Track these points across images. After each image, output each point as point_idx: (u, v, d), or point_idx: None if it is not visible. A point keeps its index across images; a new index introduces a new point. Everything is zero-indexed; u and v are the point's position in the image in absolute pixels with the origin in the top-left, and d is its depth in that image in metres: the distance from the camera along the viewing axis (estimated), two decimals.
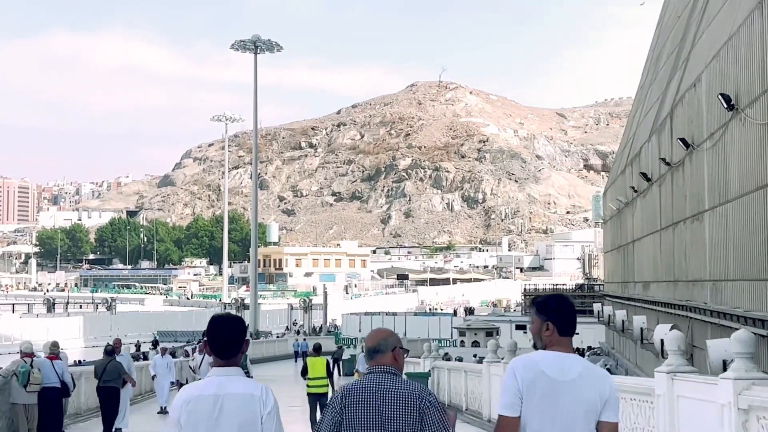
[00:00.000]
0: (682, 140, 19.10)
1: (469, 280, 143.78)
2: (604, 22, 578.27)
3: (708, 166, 17.19)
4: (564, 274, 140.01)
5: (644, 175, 26.17)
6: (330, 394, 18.80)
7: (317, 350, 18.90)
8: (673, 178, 21.69)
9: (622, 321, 31.27)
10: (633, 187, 29.41)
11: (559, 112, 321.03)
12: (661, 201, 23.84)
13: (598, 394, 3.97)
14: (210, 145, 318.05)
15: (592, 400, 3.95)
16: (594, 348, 44.28)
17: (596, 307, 43.13)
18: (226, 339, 4.28)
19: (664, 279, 23.62)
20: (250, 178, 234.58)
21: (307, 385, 17.96)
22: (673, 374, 8.72)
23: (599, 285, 64.89)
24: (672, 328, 19.25)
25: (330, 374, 18.00)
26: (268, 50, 69.30)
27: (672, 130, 21.69)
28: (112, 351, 17.07)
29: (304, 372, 18.22)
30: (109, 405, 16.41)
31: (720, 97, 14.91)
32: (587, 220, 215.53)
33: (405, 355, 4.37)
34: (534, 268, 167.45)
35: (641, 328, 25.18)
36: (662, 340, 19.43)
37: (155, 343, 55.63)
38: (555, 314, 4.13)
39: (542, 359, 4.04)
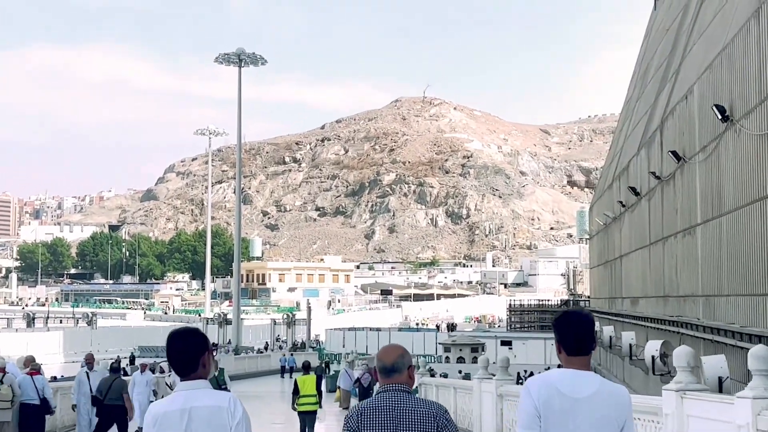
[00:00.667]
0: (673, 153, 18.83)
1: (453, 296, 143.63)
2: (588, 40, 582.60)
3: (700, 179, 16.90)
4: (548, 290, 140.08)
5: (633, 189, 25.92)
6: (319, 412, 18.44)
7: (306, 368, 18.49)
8: (663, 191, 21.42)
9: (610, 337, 30.95)
10: (621, 202, 29.17)
11: (542, 129, 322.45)
12: (651, 215, 23.59)
13: (615, 411, 3.87)
14: (193, 160, 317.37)
15: (609, 417, 3.84)
16: None
17: None
18: (187, 355, 4.15)
19: (654, 294, 23.34)
20: (234, 192, 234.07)
21: (298, 404, 17.56)
22: (682, 392, 8.29)
23: (584, 301, 64.67)
24: (663, 343, 18.94)
25: (320, 392, 17.65)
26: (252, 63, 69.01)
27: (662, 143, 21.45)
28: (117, 368, 16.41)
29: (296, 392, 17.80)
30: (119, 425, 15.66)
31: (714, 108, 14.64)
32: (571, 236, 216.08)
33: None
34: (518, 284, 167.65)
35: (630, 345, 24.84)
36: (653, 357, 19.12)
37: (132, 359, 54.86)
38: (560, 332, 4.04)
39: (558, 378, 3.94)
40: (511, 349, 49.17)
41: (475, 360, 38.94)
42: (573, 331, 4.00)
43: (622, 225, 30.16)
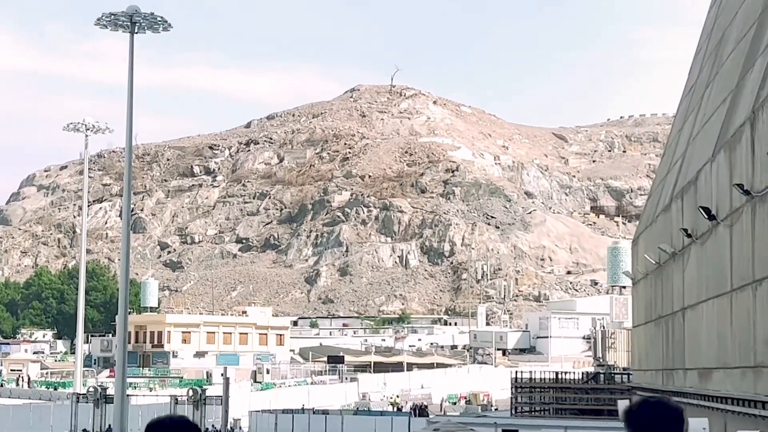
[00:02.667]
0: None
1: (430, 366, 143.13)
2: (621, 8, 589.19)
3: None
4: (565, 359, 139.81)
5: (705, 210, 25.21)
6: None
7: None
8: (755, 212, 20.78)
9: None
10: (685, 230, 28.56)
11: (557, 133, 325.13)
12: (734, 247, 22.97)
13: None
14: (62, 169, 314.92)
15: None
16: None
17: (621, 405, 42.20)
18: None
19: (739, 365, 22.69)
20: (120, 216, 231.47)
21: None
22: None
23: (622, 374, 64.19)
24: None
25: None
26: (151, 29, 67.93)
27: (753, 143, 20.89)
28: None
29: None
30: None
31: None
32: (597, 284, 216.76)
33: None
34: (522, 350, 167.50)
35: None
36: None
37: None
38: (643, 428, 4.27)
39: None
40: None
41: None
42: (662, 427, 4.23)
43: (685, 264, 29.56)
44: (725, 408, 23.49)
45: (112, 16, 67.83)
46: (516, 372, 71.87)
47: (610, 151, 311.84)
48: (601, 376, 67.31)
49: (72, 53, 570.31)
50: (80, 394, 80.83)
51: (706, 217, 25.00)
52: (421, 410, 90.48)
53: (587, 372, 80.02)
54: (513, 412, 63.59)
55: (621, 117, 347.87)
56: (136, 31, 67.33)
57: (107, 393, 72.65)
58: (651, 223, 38.38)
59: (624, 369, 75.87)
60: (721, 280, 24.20)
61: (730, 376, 23.50)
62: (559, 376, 67.52)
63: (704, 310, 26.65)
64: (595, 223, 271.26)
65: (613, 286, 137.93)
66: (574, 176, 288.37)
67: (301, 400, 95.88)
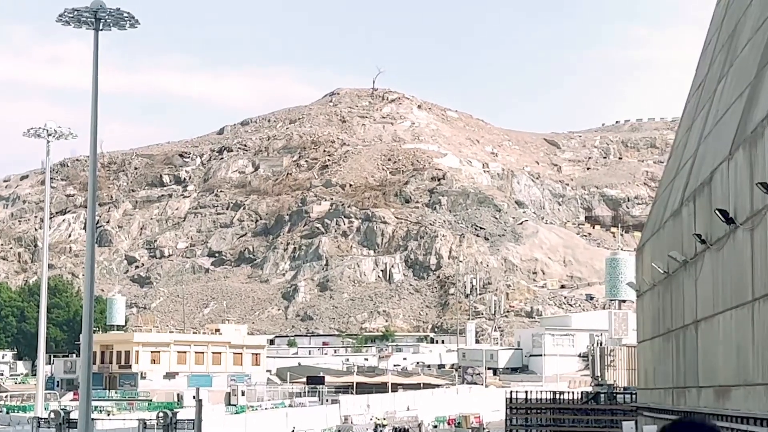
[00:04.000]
0: None
1: (416, 386, 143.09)
2: (613, 8, 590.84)
3: None
4: (560, 378, 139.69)
5: (722, 213, 24.66)
6: None
7: None
8: None
9: None
10: (698, 235, 28.03)
11: (549, 139, 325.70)
12: (756, 253, 22.47)
13: None
14: (23, 179, 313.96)
15: None
16: None
17: (626, 426, 41.86)
18: None
19: (762, 381, 22.12)
20: (84, 228, 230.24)
21: None
22: None
23: (625, 393, 63.86)
24: None
25: None
26: (116, 25, 67.09)
27: None
28: None
29: None
30: None
31: None
32: (593, 298, 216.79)
33: None
34: (514, 369, 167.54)
35: None
36: None
37: None
38: None
39: None
40: None
41: None
42: None
43: (698, 272, 29.08)
44: (747, 429, 23.19)
45: (76, 12, 66.96)
46: (511, 392, 71.28)
47: (605, 157, 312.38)
48: (602, 396, 66.94)
49: (31, 55, 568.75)
50: (42, 419, 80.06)
51: (723, 220, 24.47)
52: None
53: (586, 392, 79.76)
54: None
55: (617, 122, 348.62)
56: (101, 27, 66.53)
57: (70, 417, 71.92)
58: (658, 230, 37.88)
59: (625, 388, 75.58)
60: (740, 288, 23.71)
61: (752, 393, 23.02)
62: (557, 397, 67.03)
63: (721, 323, 26.17)
64: (590, 234, 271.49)
65: (611, 300, 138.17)
66: (567, 184, 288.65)
67: (278, 423, 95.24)
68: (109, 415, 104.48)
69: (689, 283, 30.67)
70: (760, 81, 24.27)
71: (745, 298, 23.38)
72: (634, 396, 52.45)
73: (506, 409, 63.71)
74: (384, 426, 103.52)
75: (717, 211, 25.08)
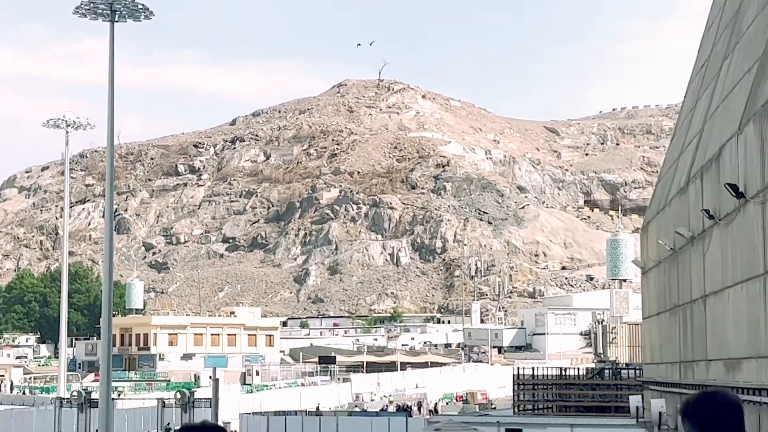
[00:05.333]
0: None
1: (424, 365, 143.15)
2: (618, 3, 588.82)
3: None
4: (563, 356, 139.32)
5: (732, 187, 23.88)
6: None
7: None
8: None
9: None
10: (706, 210, 27.24)
11: (549, 126, 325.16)
12: (766, 226, 21.70)
13: None
14: (44, 169, 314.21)
15: None
16: None
17: (633, 400, 41.05)
18: None
19: None
20: (103, 216, 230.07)
21: None
22: None
23: (629, 369, 63.29)
24: None
25: None
26: (132, 17, 66.82)
27: None
28: None
29: None
30: None
31: None
32: (593, 279, 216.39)
33: None
34: (518, 348, 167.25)
35: None
36: None
37: None
38: (701, 426, 4.32)
39: None
40: None
41: None
42: (721, 423, 4.27)
43: (706, 247, 28.30)
44: (759, 401, 22.42)
45: (92, 4, 66.53)
46: (517, 369, 70.85)
47: (603, 144, 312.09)
48: (606, 371, 66.40)
49: (51, 53, 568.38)
50: (64, 399, 79.77)
51: (734, 194, 23.73)
52: (402, 409, 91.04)
53: (591, 368, 79.32)
54: (516, 410, 62.55)
55: (613, 109, 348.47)
56: (116, 19, 66.10)
57: (92, 397, 71.58)
58: (663, 208, 37.15)
59: (627, 364, 74.88)
60: (752, 262, 22.97)
61: (765, 366, 22.34)
62: (563, 373, 66.55)
63: (731, 296, 25.44)
64: (589, 217, 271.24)
65: (612, 279, 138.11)
66: (566, 170, 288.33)
67: (292, 401, 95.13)
68: (120, 395, 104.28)
69: (697, 258, 29.97)
70: None
71: (756, 271, 22.68)
72: (637, 371, 51.78)
73: (514, 385, 63.19)
74: (391, 403, 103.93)
75: (727, 185, 24.38)
